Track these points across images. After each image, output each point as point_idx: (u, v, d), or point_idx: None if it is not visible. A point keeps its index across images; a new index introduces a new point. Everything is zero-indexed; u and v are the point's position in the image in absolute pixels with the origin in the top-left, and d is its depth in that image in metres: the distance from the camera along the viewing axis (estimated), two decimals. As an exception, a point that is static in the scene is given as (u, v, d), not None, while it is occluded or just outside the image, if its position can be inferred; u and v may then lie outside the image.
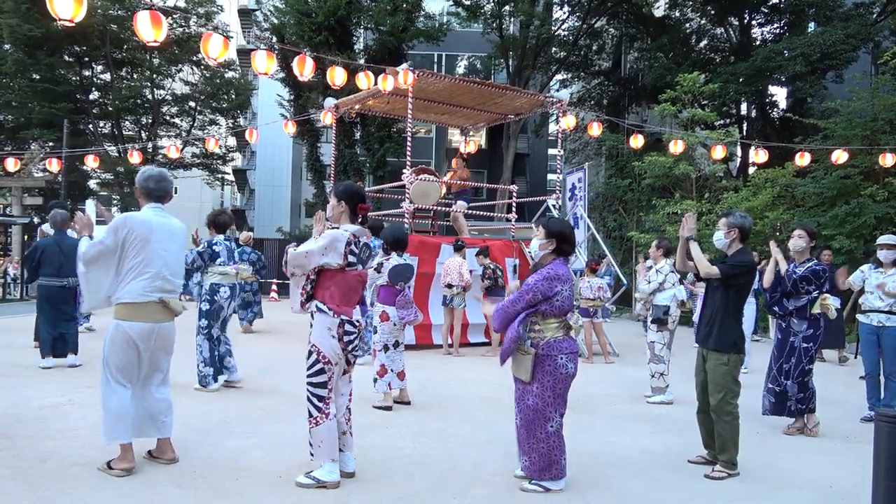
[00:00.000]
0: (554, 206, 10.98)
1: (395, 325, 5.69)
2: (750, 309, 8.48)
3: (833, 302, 5.39)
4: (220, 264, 6.24)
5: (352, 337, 3.73)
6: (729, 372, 4.14)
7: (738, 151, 20.74)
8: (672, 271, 6.46)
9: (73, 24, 6.07)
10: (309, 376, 3.70)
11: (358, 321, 3.78)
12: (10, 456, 4.03)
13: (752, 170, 18.75)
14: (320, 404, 3.68)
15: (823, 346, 10.08)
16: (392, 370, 5.71)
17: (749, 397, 6.33)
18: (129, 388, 3.89)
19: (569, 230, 3.87)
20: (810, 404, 5.26)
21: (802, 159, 12.87)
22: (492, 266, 9.05)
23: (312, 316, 3.74)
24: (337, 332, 3.67)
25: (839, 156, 12.29)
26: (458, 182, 11.70)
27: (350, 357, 3.81)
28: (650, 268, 6.75)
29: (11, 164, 15.96)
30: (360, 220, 3.82)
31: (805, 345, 5.21)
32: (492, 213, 12.75)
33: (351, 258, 3.70)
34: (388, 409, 5.60)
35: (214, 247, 6.26)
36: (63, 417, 4.91)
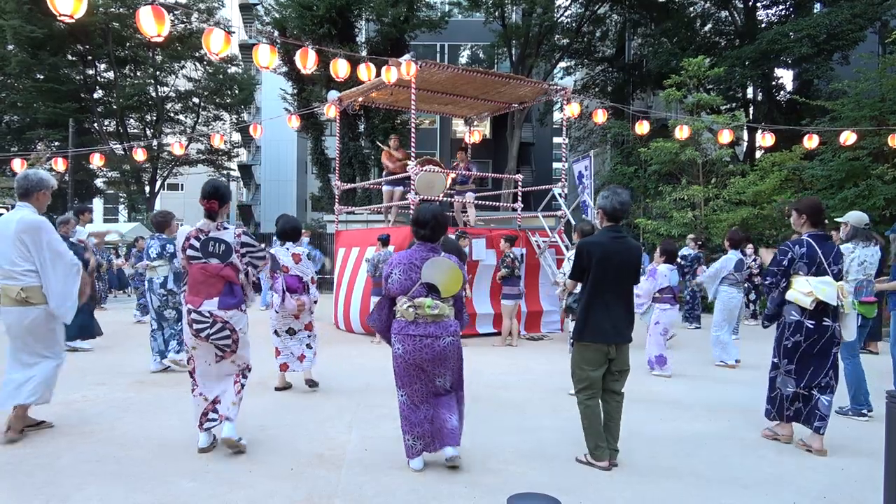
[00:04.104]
0: (560, 194, 10.94)
1: (276, 312, 5.89)
2: (734, 297, 7.84)
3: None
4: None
5: (201, 326, 3.98)
6: (573, 360, 4.07)
7: (745, 135, 20.60)
8: None
9: (74, 21, 6.07)
10: None
11: (210, 312, 3.97)
12: (26, 453, 4.08)
13: (759, 154, 18.62)
14: (191, 380, 4.19)
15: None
16: (292, 353, 6.00)
17: (740, 395, 6.27)
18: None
19: (423, 216, 3.84)
20: (778, 407, 4.51)
21: (810, 142, 12.77)
22: (511, 255, 8.91)
23: None
24: (188, 320, 4.02)
25: (847, 137, 12.18)
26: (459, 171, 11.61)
27: (217, 345, 4.06)
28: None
29: (18, 165, 16.03)
30: (206, 214, 4.07)
31: (777, 332, 4.58)
32: (497, 203, 12.71)
33: (190, 252, 4.02)
34: (284, 389, 5.98)
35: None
36: (77, 414, 4.96)
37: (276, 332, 5.99)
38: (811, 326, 4.31)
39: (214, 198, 4.01)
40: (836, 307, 4.31)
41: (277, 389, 5.94)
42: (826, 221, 4.63)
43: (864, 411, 5.27)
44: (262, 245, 4.31)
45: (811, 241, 4.36)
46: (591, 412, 3.95)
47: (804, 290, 4.29)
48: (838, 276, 4.36)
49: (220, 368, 4.18)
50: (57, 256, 4.33)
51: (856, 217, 5.61)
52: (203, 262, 4.01)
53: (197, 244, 3.99)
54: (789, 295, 4.39)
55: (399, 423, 3.90)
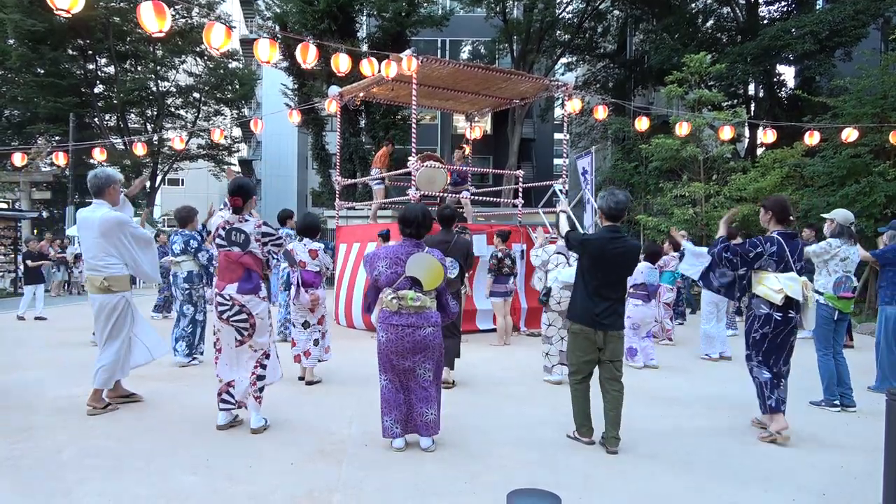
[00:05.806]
0: (560, 190, 10.92)
1: (294, 304, 6.13)
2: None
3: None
4: None
5: (224, 308, 4.42)
6: (568, 345, 4.48)
7: (746, 132, 20.55)
8: (558, 252, 6.40)
9: (73, 15, 6.07)
10: None
11: (230, 295, 4.40)
12: (28, 447, 4.09)
13: (760, 150, 18.59)
14: (214, 362, 4.59)
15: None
16: (300, 347, 6.16)
17: (739, 392, 6.27)
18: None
19: (410, 214, 4.20)
20: (764, 399, 4.60)
21: (812, 138, 12.74)
22: (498, 254, 8.78)
23: None
24: (214, 303, 4.48)
25: (849, 134, 12.14)
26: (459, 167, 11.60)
27: (236, 328, 4.43)
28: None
29: (18, 159, 16.03)
30: (232, 209, 4.56)
31: (746, 325, 4.77)
32: (498, 199, 12.69)
33: (218, 240, 4.54)
34: (302, 380, 6.16)
35: None
36: (77, 408, 4.97)
37: (293, 323, 6.19)
38: (779, 319, 4.50)
39: (238, 195, 4.51)
40: (798, 300, 4.51)
41: (301, 379, 6.17)
42: (793, 218, 4.83)
43: (836, 402, 5.48)
44: (279, 230, 4.71)
45: (780, 239, 4.57)
46: (578, 395, 4.35)
47: (775, 287, 4.46)
48: (801, 272, 4.56)
49: (239, 355, 4.52)
50: (141, 240, 5.05)
51: (842, 215, 5.77)
52: (227, 250, 4.48)
53: (223, 233, 4.50)
54: (759, 290, 4.58)
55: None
